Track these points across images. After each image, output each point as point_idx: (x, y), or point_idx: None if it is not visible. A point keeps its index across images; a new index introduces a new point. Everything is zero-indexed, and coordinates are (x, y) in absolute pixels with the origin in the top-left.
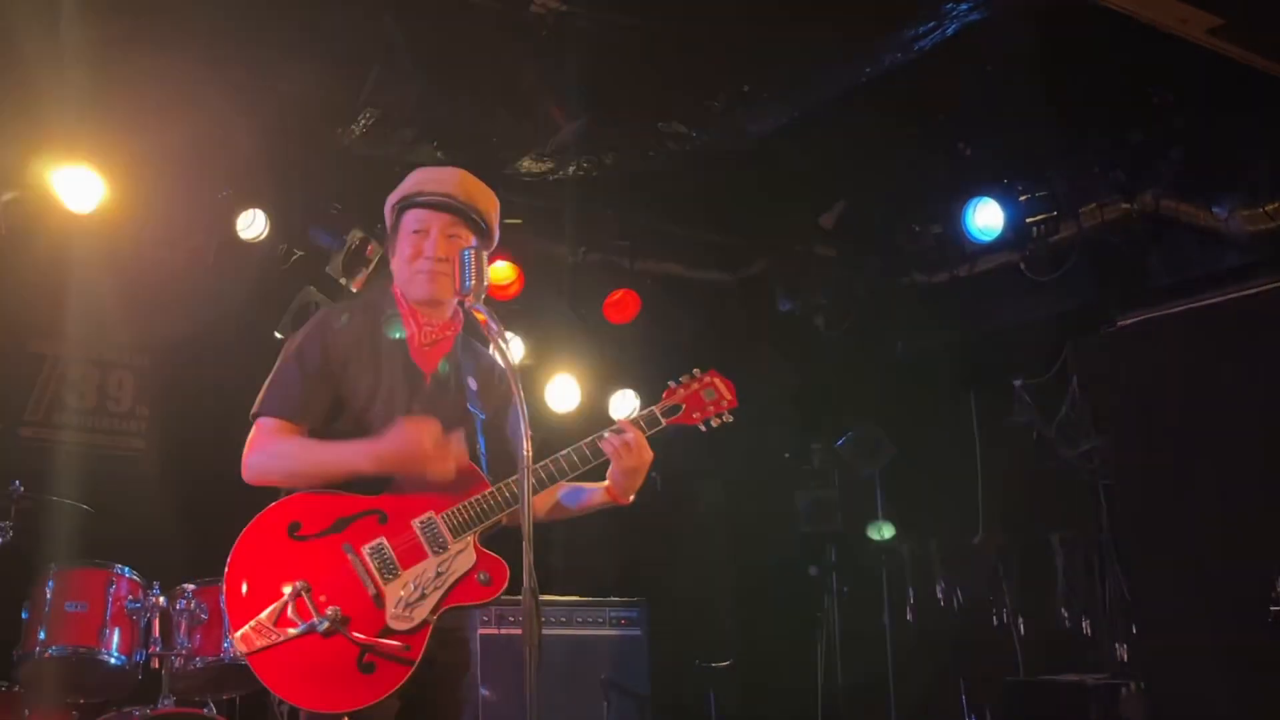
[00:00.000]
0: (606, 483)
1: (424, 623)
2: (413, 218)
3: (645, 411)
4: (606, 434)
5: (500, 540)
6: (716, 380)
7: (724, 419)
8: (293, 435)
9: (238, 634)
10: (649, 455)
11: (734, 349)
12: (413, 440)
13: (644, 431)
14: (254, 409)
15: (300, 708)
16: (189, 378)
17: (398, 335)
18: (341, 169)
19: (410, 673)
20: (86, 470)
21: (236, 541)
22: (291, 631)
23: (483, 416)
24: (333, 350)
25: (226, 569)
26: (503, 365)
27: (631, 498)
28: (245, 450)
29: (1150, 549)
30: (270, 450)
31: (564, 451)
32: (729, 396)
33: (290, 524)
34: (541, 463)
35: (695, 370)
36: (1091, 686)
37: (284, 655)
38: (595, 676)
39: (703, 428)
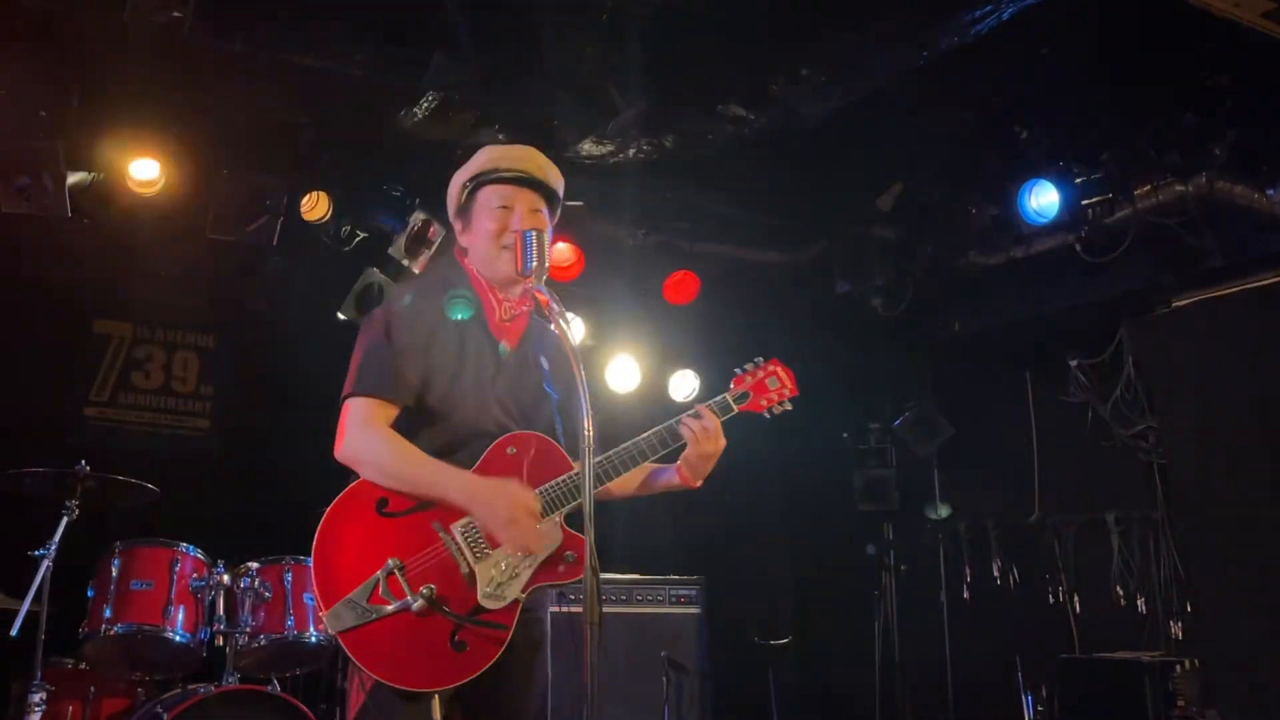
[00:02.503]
0: (679, 464)
1: (514, 601)
2: (493, 193)
3: (719, 399)
4: (685, 418)
5: (571, 516)
6: (779, 369)
7: (784, 407)
8: (388, 420)
9: (328, 612)
10: (723, 442)
11: (792, 330)
12: (507, 504)
13: (718, 417)
14: (345, 389)
15: (394, 686)
16: (253, 358)
17: (474, 312)
18: (404, 152)
19: (500, 651)
20: (151, 450)
21: (324, 518)
22: (386, 609)
23: (556, 396)
24: (418, 327)
25: (315, 546)
26: (564, 347)
27: (700, 482)
28: (341, 428)
29: (1205, 528)
30: (367, 438)
31: (644, 435)
32: (789, 385)
33: (379, 500)
34: (624, 445)
35: (759, 359)
36: (1146, 664)
37: (376, 633)
38: (655, 653)
39: (766, 415)
